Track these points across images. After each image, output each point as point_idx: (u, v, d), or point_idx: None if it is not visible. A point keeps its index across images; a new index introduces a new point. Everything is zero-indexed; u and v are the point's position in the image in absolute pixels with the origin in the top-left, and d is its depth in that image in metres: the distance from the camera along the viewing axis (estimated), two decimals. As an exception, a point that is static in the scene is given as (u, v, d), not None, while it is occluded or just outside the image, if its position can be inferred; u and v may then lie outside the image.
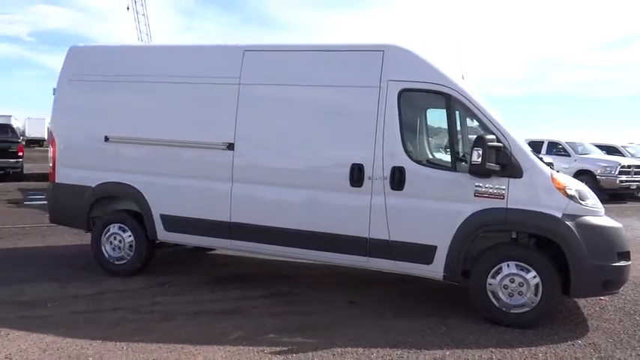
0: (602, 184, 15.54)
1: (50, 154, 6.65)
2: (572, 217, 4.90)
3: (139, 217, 6.32)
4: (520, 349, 4.49)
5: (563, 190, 4.97)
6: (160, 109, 6.16)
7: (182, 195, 6.05)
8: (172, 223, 6.10)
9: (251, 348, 4.35)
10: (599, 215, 5.06)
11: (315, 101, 5.66)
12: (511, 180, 4.99)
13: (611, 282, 4.96)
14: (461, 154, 5.31)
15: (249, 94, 5.81)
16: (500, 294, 5.02)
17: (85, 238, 8.31)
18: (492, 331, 4.87)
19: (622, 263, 4.95)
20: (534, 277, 4.92)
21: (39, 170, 18.76)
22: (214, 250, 7.70)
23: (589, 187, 5.59)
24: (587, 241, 4.84)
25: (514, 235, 5.22)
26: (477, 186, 5.05)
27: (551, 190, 4.97)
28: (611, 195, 15.41)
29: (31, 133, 45.59)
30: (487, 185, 5.03)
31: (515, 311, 4.99)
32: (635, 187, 16.39)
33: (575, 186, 5.11)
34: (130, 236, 6.33)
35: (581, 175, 15.39)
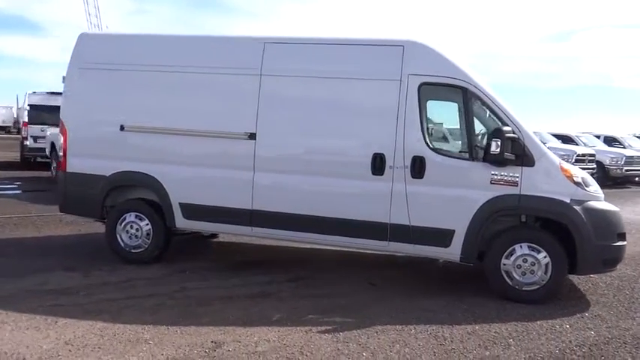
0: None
1: (61, 143, 6.59)
2: (579, 202, 5.39)
3: (155, 206, 6.39)
4: (539, 322, 4.95)
5: (570, 177, 5.46)
6: (180, 99, 6.22)
7: (202, 183, 6.18)
8: (191, 211, 6.21)
9: (298, 328, 4.60)
10: (600, 200, 5.58)
11: (337, 93, 5.90)
12: (524, 168, 5.43)
13: (611, 260, 5.52)
14: (477, 145, 5.69)
15: (271, 85, 5.97)
16: (514, 273, 5.46)
17: (82, 227, 8.34)
18: (509, 306, 5.31)
19: (620, 243, 5.51)
20: (545, 257, 5.39)
21: (2, 159, 18.13)
22: (218, 236, 7.85)
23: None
24: (592, 224, 5.35)
25: (523, 219, 5.68)
26: (493, 174, 5.46)
27: (560, 178, 5.45)
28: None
29: None
30: (502, 173, 5.44)
31: (526, 289, 5.46)
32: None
33: (581, 174, 5.62)
34: (147, 224, 6.39)
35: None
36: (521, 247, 5.46)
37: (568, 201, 5.38)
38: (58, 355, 3.94)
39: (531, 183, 5.43)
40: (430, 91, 5.73)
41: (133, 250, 6.45)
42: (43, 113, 15.48)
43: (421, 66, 5.67)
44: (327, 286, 5.88)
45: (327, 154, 5.95)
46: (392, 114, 5.66)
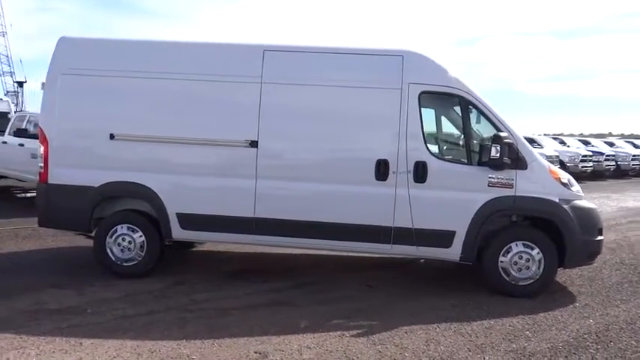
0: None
1: (41, 153, 6.19)
2: (566, 201, 5.89)
3: (149, 216, 6.18)
4: (542, 314, 5.35)
5: (558, 179, 5.95)
6: (176, 107, 6.05)
7: (202, 193, 6.06)
8: (190, 221, 6.07)
9: (330, 333, 4.67)
10: (583, 199, 6.12)
11: (339, 100, 6.01)
12: (518, 171, 5.84)
13: (593, 253, 6.08)
14: (474, 150, 6.02)
15: (272, 92, 5.98)
16: (511, 269, 5.85)
17: (58, 240, 7.86)
18: (510, 301, 5.68)
19: (600, 237, 6.09)
20: (538, 253, 5.84)
21: None
22: (195, 246, 7.68)
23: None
24: (578, 220, 5.86)
25: (514, 219, 6.10)
26: (490, 177, 5.83)
27: (550, 180, 5.92)
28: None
29: None
30: (499, 176, 5.82)
31: (522, 283, 5.88)
32: None
33: (566, 175, 6.13)
34: (140, 236, 6.14)
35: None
36: (516, 244, 5.86)
37: (557, 200, 5.85)
38: (103, 378, 3.77)
39: (525, 185, 5.84)
40: (429, 99, 6.01)
41: (125, 264, 6.18)
42: None
43: (420, 75, 5.93)
44: (334, 290, 5.98)
45: (330, 160, 6.05)
46: (394, 121, 5.87)
